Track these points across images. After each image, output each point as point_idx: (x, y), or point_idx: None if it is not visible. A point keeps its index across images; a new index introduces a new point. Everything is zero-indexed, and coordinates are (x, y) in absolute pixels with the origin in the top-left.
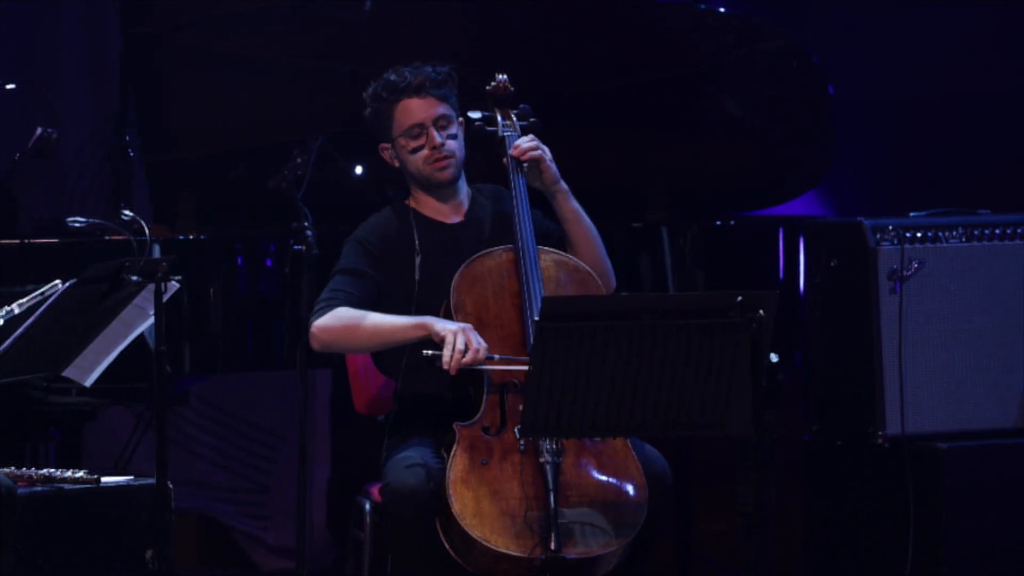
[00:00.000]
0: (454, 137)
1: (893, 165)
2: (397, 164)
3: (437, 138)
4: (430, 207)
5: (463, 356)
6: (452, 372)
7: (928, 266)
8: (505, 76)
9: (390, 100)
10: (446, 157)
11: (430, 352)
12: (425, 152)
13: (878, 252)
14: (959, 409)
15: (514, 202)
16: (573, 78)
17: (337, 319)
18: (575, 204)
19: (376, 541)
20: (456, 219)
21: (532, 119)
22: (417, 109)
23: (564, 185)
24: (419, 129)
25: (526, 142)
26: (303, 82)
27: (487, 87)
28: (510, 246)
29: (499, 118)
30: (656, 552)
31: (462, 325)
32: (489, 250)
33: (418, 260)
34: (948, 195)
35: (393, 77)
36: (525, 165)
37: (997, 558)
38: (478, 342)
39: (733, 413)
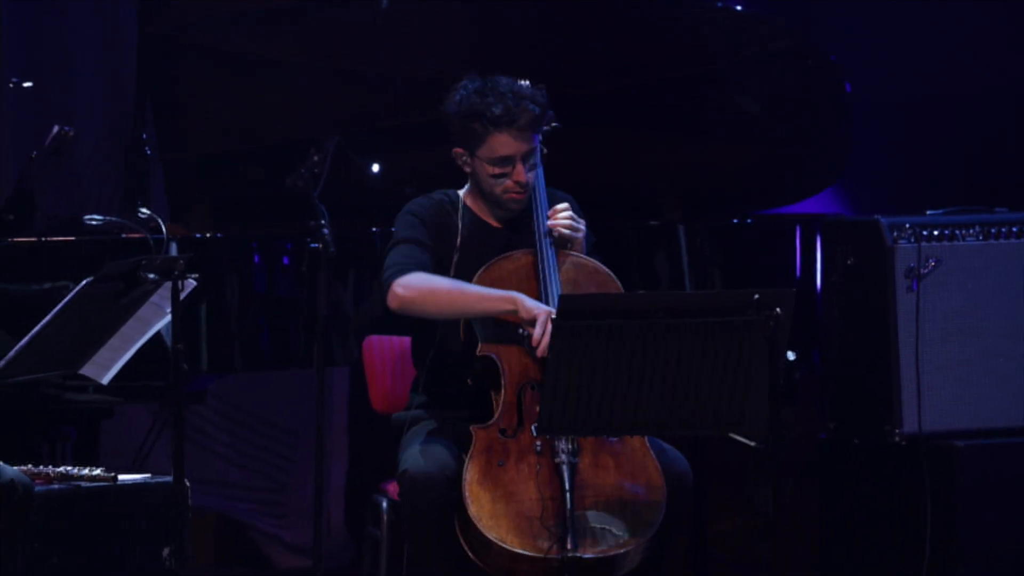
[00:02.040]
0: (534, 167)
1: (910, 163)
2: (468, 170)
3: (524, 175)
4: (482, 210)
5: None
6: (540, 354)
7: (945, 264)
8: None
9: (488, 128)
10: (524, 192)
11: (526, 332)
12: (508, 183)
13: (895, 250)
14: (976, 407)
15: (533, 203)
16: (589, 78)
17: (420, 279)
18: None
19: (393, 539)
20: (499, 224)
21: (555, 124)
22: (513, 144)
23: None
24: (508, 160)
25: (564, 216)
26: (320, 81)
27: None
28: (529, 249)
29: None
30: (675, 552)
31: (552, 309)
32: (508, 253)
33: (456, 257)
34: (965, 193)
35: (498, 110)
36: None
37: (1014, 556)
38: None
39: (749, 412)
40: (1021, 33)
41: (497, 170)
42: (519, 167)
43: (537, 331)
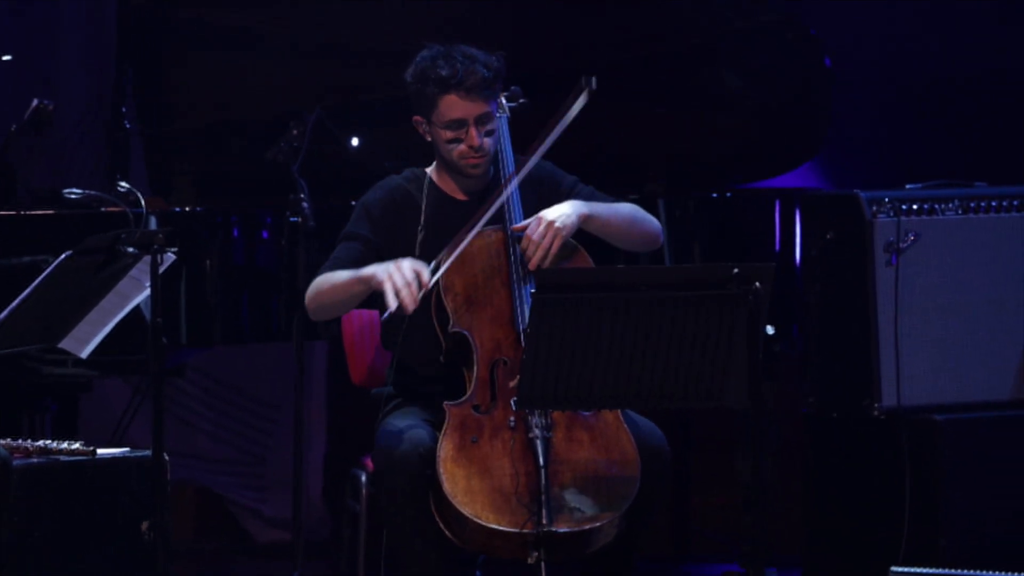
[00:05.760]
0: (491, 133)
1: (890, 137)
2: (429, 139)
3: (476, 138)
4: (448, 184)
5: (407, 290)
6: (408, 311)
7: (924, 238)
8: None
9: (437, 91)
10: (481, 156)
11: (387, 314)
12: (462, 147)
13: (874, 224)
14: (955, 381)
15: (501, 180)
16: (574, 51)
17: (315, 285)
18: (600, 216)
19: (372, 513)
20: (466, 196)
21: (522, 100)
22: (462, 106)
23: (584, 210)
24: (461, 124)
25: (540, 237)
26: (300, 55)
27: None
28: (499, 226)
29: None
30: (654, 525)
31: (391, 265)
32: (479, 231)
33: (420, 236)
34: (945, 168)
35: (444, 72)
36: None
37: (994, 528)
38: (411, 269)
39: (730, 385)
40: (1002, 11)
41: (451, 134)
42: (472, 131)
43: (389, 300)
